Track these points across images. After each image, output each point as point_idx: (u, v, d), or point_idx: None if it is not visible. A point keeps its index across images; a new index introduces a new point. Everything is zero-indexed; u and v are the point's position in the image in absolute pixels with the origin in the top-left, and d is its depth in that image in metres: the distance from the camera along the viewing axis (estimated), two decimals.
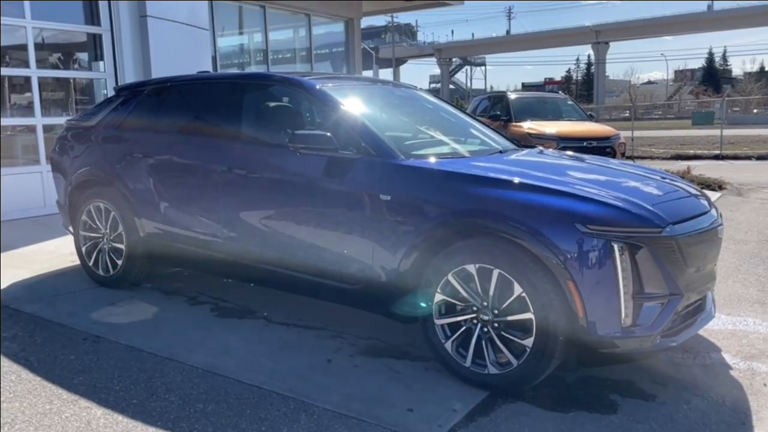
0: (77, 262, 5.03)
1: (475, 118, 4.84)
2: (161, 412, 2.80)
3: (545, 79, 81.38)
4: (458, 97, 63.70)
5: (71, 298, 4.47)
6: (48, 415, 2.79)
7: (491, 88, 76.32)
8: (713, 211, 3.32)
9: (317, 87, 3.83)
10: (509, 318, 2.90)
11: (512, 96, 12.82)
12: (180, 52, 8.81)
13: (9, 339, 3.69)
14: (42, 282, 4.89)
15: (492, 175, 3.15)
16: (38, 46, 8.08)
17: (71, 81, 9.53)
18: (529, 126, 11.20)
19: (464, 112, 4.99)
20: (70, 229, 5.02)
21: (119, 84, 6.77)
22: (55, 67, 9.31)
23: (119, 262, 4.58)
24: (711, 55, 75.33)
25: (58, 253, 5.76)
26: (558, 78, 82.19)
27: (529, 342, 2.84)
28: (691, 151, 17.13)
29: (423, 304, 3.14)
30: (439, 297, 3.08)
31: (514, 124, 11.51)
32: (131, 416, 2.77)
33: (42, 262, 5.44)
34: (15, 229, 6.82)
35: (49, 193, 7.49)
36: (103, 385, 3.07)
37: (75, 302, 4.36)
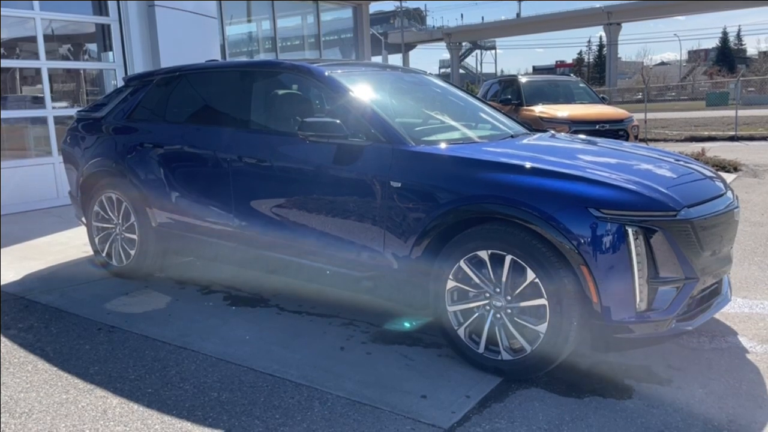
0: (90, 252, 5.06)
1: (486, 103, 4.79)
2: (176, 401, 2.82)
3: (556, 61, 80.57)
4: (468, 82, 63.31)
5: (85, 288, 4.51)
6: (65, 404, 2.82)
7: (502, 71, 75.74)
8: (729, 193, 3.28)
9: (326, 74, 3.81)
10: (522, 304, 2.88)
11: (523, 80, 12.69)
12: (188, 41, 8.81)
13: (25, 330, 3.72)
14: (56, 273, 4.94)
15: (503, 160, 3.11)
16: (47, 38, 8.11)
17: (81, 72, 9.56)
18: (540, 110, 11.09)
19: (475, 96, 4.94)
20: (83, 219, 5.04)
21: (128, 74, 6.79)
22: (64, 58, 9.34)
23: (132, 252, 4.61)
24: (725, 34, 74.12)
25: (72, 244, 5.80)
26: (569, 60, 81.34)
27: (542, 328, 2.82)
28: (706, 133, 16.92)
29: (435, 291, 3.13)
30: (451, 284, 3.07)
31: (525, 108, 11.41)
32: (147, 405, 2.79)
33: (55, 253, 5.48)
34: (28, 221, 6.89)
35: (61, 184, 7.56)
36: (118, 375, 3.10)
37: (89, 293, 4.40)
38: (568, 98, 12.21)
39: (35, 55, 7.81)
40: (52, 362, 3.26)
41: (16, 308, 4.10)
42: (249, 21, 12.84)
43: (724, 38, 74.21)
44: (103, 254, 4.80)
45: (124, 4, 8.48)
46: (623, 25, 62.96)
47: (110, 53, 8.86)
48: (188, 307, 4.09)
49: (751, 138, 15.61)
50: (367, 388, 2.91)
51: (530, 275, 2.82)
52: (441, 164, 3.19)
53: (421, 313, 3.31)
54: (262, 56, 12.67)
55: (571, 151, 3.68)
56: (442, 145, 3.38)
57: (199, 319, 3.85)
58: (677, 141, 15.73)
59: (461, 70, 76.74)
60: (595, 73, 71.82)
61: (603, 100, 12.95)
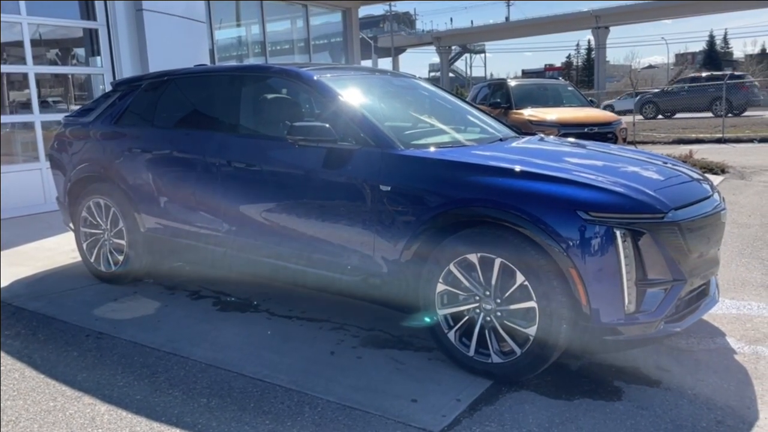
0: (78, 258, 5.03)
1: (475, 106, 4.81)
2: (165, 407, 2.80)
3: (545, 65, 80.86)
4: (458, 85, 63.45)
5: (73, 294, 4.47)
6: (52, 412, 2.79)
7: (491, 75, 76.04)
8: (716, 195, 3.30)
9: (315, 78, 3.80)
10: (512, 307, 2.89)
11: (512, 83, 12.75)
12: (177, 45, 8.78)
13: (12, 337, 3.69)
14: (44, 279, 4.89)
15: (492, 163, 3.12)
16: (35, 43, 8.05)
17: (69, 77, 9.50)
18: (529, 113, 11.14)
19: (464, 100, 4.95)
20: (71, 225, 5.01)
21: (116, 79, 6.75)
22: (52, 63, 9.28)
23: (120, 258, 4.58)
24: (712, 37, 74.72)
25: (59, 249, 5.76)
26: (558, 64, 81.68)
27: (532, 330, 2.83)
28: (693, 135, 17.02)
29: (425, 295, 3.13)
30: (441, 287, 3.07)
31: (514, 111, 11.46)
32: (135, 412, 2.77)
33: (43, 259, 5.44)
34: (16, 227, 6.83)
35: (49, 190, 7.50)
36: (106, 382, 3.07)
37: (77, 299, 4.36)
38: (557, 101, 12.28)
39: (22, 60, 7.76)
40: (40, 369, 3.23)
41: (3, 315, 4.06)
42: (238, 25, 12.82)
43: (711, 41, 74.82)
44: (92, 260, 4.77)
45: (112, 9, 8.44)
46: (611, 28, 63.30)
47: (98, 58, 8.81)
48: (177, 312, 4.06)
49: (738, 140, 15.71)
50: (358, 393, 2.90)
51: (519, 278, 2.83)
52: (430, 168, 3.19)
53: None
54: (251, 60, 12.64)
55: (560, 154, 3.70)
56: (432, 149, 3.38)
57: (189, 325, 3.82)
58: (665, 143, 15.82)
59: (451, 74, 76.84)
60: (584, 76, 72.13)
61: (591, 103, 13.02)
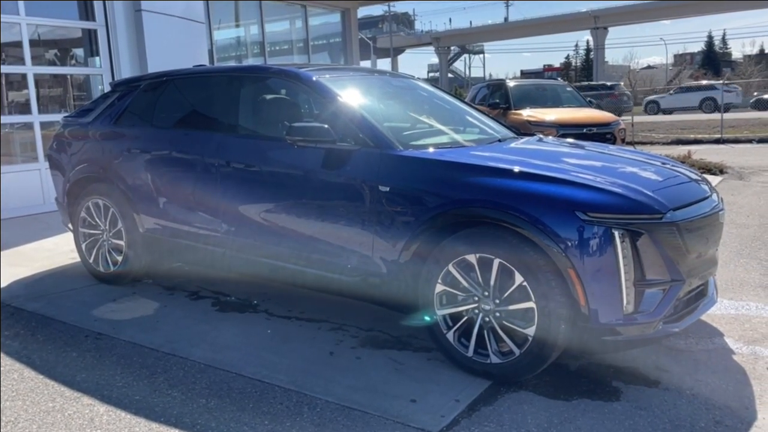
0: (77, 259, 5.02)
1: (474, 107, 4.81)
2: (164, 408, 2.80)
3: (544, 65, 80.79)
4: (457, 86, 63.45)
5: (72, 295, 4.47)
6: (51, 413, 2.79)
7: (490, 75, 76.04)
8: (714, 196, 3.31)
9: (314, 78, 3.81)
10: (511, 307, 2.89)
11: (511, 83, 12.75)
12: (176, 46, 8.78)
13: (11, 337, 3.68)
14: (42, 280, 4.89)
15: (491, 164, 3.13)
16: (33, 43, 8.05)
17: (68, 77, 9.50)
18: (528, 113, 11.15)
19: (463, 100, 4.95)
20: (70, 226, 5.01)
21: (115, 79, 6.75)
22: (51, 63, 9.27)
23: (119, 259, 4.58)
24: (710, 38, 74.76)
25: (58, 250, 5.76)
26: (557, 65, 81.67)
27: (531, 331, 2.83)
28: (692, 136, 17.03)
29: (424, 295, 3.13)
30: (440, 287, 3.07)
31: (513, 111, 11.46)
32: (134, 413, 2.77)
33: (42, 260, 5.43)
34: (15, 227, 6.83)
35: (48, 190, 7.50)
36: (105, 382, 3.07)
37: (76, 299, 4.36)
38: (556, 102, 12.27)
39: (21, 60, 7.75)
40: (39, 370, 3.23)
41: (3, 315, 4.06)
42: (237, 25, 12.82)
43: (710, 42, 74.84)
44: (90, 260, 4.77)
45: (111, 9, 8.44)
46: (610, 29, 63.38)
47: (97, 58, 8.81)
48: (176, 313, 4.06)
49: (737, 141, 15.73)
50: (357, 393, 2.91)
51: (518, 278, 2.83)
52: (429, 168, 3.19)
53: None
54: (250, 61, 12.64)
55: (558, 154, 3.71)
56: (430, 149, 3.39)
57: (188, 325, 3.83)
58: (664, 144, 15.83)
59: (450, 75, 76.86)
60: (583, 76, 72.14)
61: (590, 104, 13.03)
